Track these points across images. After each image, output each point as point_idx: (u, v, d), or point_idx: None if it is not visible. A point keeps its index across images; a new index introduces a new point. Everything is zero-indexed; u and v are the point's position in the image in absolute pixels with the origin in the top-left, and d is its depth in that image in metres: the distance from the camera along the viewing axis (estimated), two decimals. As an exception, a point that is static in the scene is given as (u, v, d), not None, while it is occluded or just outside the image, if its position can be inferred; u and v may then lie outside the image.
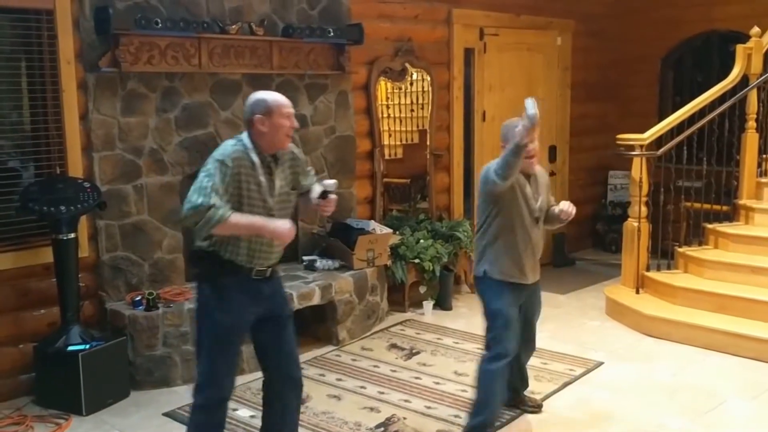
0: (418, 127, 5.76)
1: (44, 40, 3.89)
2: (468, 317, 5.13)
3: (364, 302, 4.83)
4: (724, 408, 3.74)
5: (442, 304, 5.38)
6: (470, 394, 3.54)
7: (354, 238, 4.79)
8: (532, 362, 4.29)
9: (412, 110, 5.72)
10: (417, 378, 4.14)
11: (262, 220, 2.71)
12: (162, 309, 4.01)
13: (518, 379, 3.63)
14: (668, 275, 5.14)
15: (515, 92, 6.35)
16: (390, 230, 5.14)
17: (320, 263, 4.81)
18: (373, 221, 5.17)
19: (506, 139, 3.25)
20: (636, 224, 5.19)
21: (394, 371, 4.24)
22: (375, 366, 4.32)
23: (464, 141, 6.04)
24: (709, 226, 5.28)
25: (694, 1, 6.51)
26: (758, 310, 4.54)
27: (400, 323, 5.10)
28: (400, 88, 5.67)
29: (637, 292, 5.19)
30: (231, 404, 3.76)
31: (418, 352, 4.54)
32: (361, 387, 4.01)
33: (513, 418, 3.62)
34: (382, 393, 3.93)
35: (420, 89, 5.72)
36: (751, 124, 5.34)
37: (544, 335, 4.79)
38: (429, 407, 3.74)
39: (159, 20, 3.99)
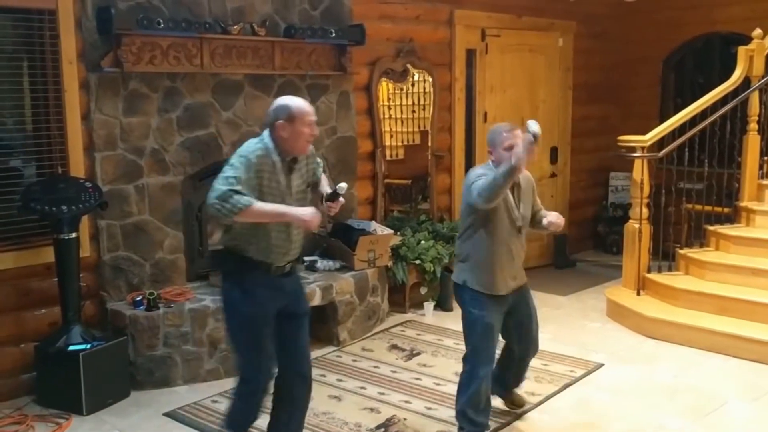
0: (419, 128, 5.76)
1: (46, 40, 3.89)
2: (469, 318, 5.12)
3: (364, 303, 4.83)
4: (725, 410, 3.74)
5: (443, 305, 5.38)
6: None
7: (355, 239, 4.79)
8: (533, 363, 4.29)
9: (413, 111, 5.73)
10: (417, 379, 4.14)
11: (285, 206, 2.79)
12: (163, 309, 4.02)
13: (513, 374, 3.59)
14: (669, 277, 5.14)
15: (517, 93, 6.37)
16: (391, 231, 5.14)
17: (321, 264, 4.81)
18: (374, 222, 5.18)
19: (493, 145, 3.21)
20: (637, 226, 5.19)
21: (395, 372, 4.24)
22: (375, 367, 4.32)
23: (466, 142, 6.04)
24: (711, 228, 5.28)
25: (695, 2, 6.51)
26: (759, 312, 4.54)
27: (401, 324, 5.10)
28: (402, 89, 5.67)
29: (638, 293, 5.19)
30: (231, 404, 3.78)
31: (418, 353, 4.54)
32: (362, 388, 4.01)
33: (513, 419, 3.62)
34: (383, 394, 3.93)
35: (421, 90, 5.72)
36: (753, 126, 5.34)
37: (545, 336, 4.78)
38: (429, 408, 3.74)
39: (161, 20, 4.00)
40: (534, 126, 2.92)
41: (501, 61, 6.18)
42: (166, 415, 3.69)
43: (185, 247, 4.42)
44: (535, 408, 3.75)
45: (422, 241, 5.27)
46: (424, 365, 4.34)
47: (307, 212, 2.78)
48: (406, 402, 3.83)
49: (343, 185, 2.97)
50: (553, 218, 3.33)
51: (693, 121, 5.19)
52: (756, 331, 4.42)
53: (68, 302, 3.80)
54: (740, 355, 4.38)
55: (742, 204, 5.35)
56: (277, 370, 2.99)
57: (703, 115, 5.19)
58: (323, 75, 4.90)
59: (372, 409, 3.74)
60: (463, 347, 3.38)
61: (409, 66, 5.57)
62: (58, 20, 3.87)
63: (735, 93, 5.24)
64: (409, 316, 5.27)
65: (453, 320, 5.18)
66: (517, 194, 3.28)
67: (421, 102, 5.73)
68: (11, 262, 3.83)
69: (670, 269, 5.26)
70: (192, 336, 4.03)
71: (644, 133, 5.14)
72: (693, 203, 5.42)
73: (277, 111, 2.85)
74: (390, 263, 5.09)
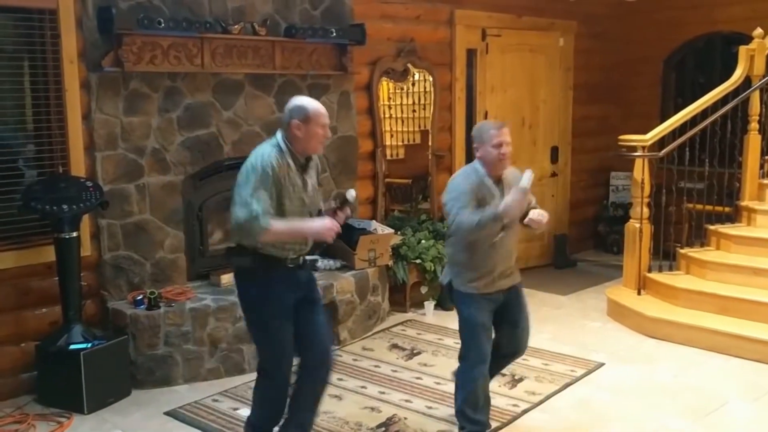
0: (420, 127, 5.76)
1: (47, 40, 3.89)
2: (469, 318, 5.12)
3: (365, 302, 4.84)
4: (726, 410, 3.74)
5: (444, 304, 5.37)
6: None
7: (356, 239, 4.79)
8: (534, 363, 4.31)
9: (414, 111, 5.73)
10: (418, 378, 4.14)
11: (301, 223, 2.93)
12: (163, 308, 4.02)
13: (490, 367, 3.40)
14: (670, 276, 5.14)
15: (517, 93, 6.37)
16: (391, 230, 5.14)
17: (321, 263, 4.81)
18: (374, 221, 5.18)
19: (481, 141, 3.17)
20: (638, 225, 5.18)
21: (395, 371, 4.24)
22: (376, 366, 4.32)
23: (466, 142, 6.03)
24: (711, 227, 5.28)
25: (696, 2, 6.50)
26: (760, 312, 4.53)
27: (402, 323, 5.10)
28: (402, 89, 5.67)
29: (639, 293, 5.19)
30: (232, 403, 3.79)
31: (419, 353, 4.54)
32: (362, 387, 4.01)
33: (514, 419, 3.62)
34: (383, 393, 3.93)
35: (422, 90, 5.72)
36: (754, 125, 5.34)
37: (546, 336, 4.80)
38: (430, 407, 3.74)
39: (162, 20, 4.00)
40: (527, 180, 2.96)
41: (501, 61, 6.18)
42: (167, 414, 3.69)
43: (186, 247, 4.43)
44: (535, 407, 3.75)
45: (423, 241, 5.27)
46: (425, 364, 4.34)
47: (324, 225, 2.90)
48: (407, 401, 3.83)
49: (353, 192, 3.09)
50: (535, 215, 3.19)
51: (694, 121, 5.19)
52: (757, 330, 4.42)
53: (69, 301, 3.80)
54: (741, 354, 4.37)
55: (743, 203, 5.35)
56: (292, 369, 3.08)
57: (704, 114, 5.19)
58: (324, 75, 4.91)
59: (373, 409, 3.74)
60: (463, 347, 3.37)
61: (409, 66, 5.58)
62: (59, 20, 3.87)
63: (736, 92, 5.24)
64: (409, 315, 5.27)
65: (453, 320, 5.13)
66: (503, 192, 3.18)
67: (422, 102, 5.73)
68: (12, 261, 3.83)
69: (670, 269, 5.26)
70: (193, 335, 4.03)
71: (645, 132, 5.13)
72: (694, 203, 5.41)
73: (292, 111, 2.95)
74: (390, 263, 5.09)
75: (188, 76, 4.30)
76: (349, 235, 4.84)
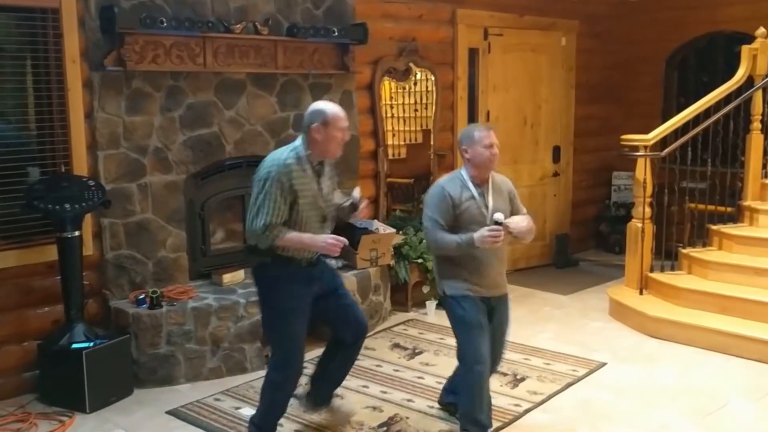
0: (421, 127, 5.76)
1: (50, 39, 3.89)
2: (471, 317, 5.12)
3: (367, 302, 4.84)
4: (728, 410, 3.74)
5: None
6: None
7: (357, 238, 4.79)
8: (536, 363, 4.31)
9: (415, 110, 5.73)
10: (420, 378, 4.14)
11: (310, 238, 3.08)
12: (165, 307, 4.02)
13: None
14: (672, 276, 5.14)
15: (519, 93, 6.37)
16: (393, 230, 5.14)
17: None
18: (376, 221, 5.18)
19: (470, 142, 3.19)
20: (640, 225, 5.18)
21: (397, 371, 4.25)
22: (378, 365, 4.32)
23: (468, 141, 6.03)
24: (714, 227, 5.27)
25: (697, 2, 6.50)
26: (762, 312, 4.53)
27: (403, 323, 5.10)
28: (404, 88, 5.67)
29: (641, 293, 5.19)
30: (234, 403, 3.80)
31: (420, 352, 4.54)
32: (364, 386, 4.01)
33: (516, 418, 3.62)
34: (385, 392, 3.94)
35: (424, 89, 5.72)
36: (756, 125, 5.33)
37: (547, 336, 4.81)
38: (432, 407, 3.74)
39: (164, 19, 4.00)
40: (502, 216, 3.09)
41: (503, 61, 6.18)
42: (169, 413, 3.70)
43: (188, 246, 4.43)
44: (537, 407, 3.75)
45: (424, 240, 5.27)
46: (427, 364, 4.34)
47: (331, 242, 3.06)
48: (409, 401, 3.83)
49: (357, 193, 3.29)
50: (513, 224, 3.13)
51: (696, 121, 5.18)
52: (759, 330, 4.42)
53: (71, 300, 3.80)
54: (743, 354, 4.37)
55: (746, 203, 5.34)
56: (303, 366, 3.24)
57: (707, 114, 5.18)
58: (326, 74, 4.91)
59: (374, 408, 3.74)
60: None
61: (411, 65, 5.58)
62: (62, 19, 3.88)
63: (738, 92, 5.23)
64: (411, 315, 5.27)
65: (455, 319, 5.19)
66: (486, 198, 3.22)
67: (424, 101, 5.73)
68: (14, 260, 3.84)
69: (672, 269, 5.25)
70: (194, 334, 4.04)
71: (647, 132, 5.13)
72: (696, 202, 5.42)
73: (312, 115, 3.08)
74: (392, 262, 5.09)
75: (190, 75, 4.30)
76: (351, 235, 4.84)
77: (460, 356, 3.29)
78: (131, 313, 3.98)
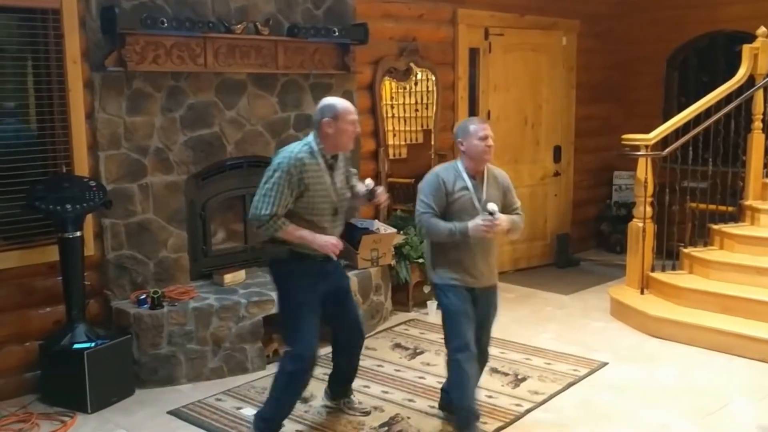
0: (422, 127, 5.76)
1: (50, 40, 3.89)
2: (472, 317, 5.12)
3: (368, 302, 4.84)
4: (729, 410, 3.73)
5: (446, 304, 5.37)
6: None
7: (358, 238, 4.79)
8: (537, 362, 4.31)
9: (416, 110, 5.73)
10: (421, 378, 4.14)
11: (310, 235, 3.15)
12: (167, 308, 4.02)
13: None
14: (673, 276, 5.13)
15: (520, 93, 6.36)
16: (394, 230, 5.14)
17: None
18: (377, 221, 5.17)
19: (465, 134, 3.23)
20: (641, 225, 5.18)
21: (398, 371, 4.25)
22: (379, 365, 4.32)
23: (469, 141, 6.03)
24: (715, 226, 5.27)
25: (698, 1, 6.49)
26: (764, 312, 4.53)
27: (404, 323, 5.10)
28: (405, 88, 5.67)
29: (642, 292, 5.19)
30: (236, 403, 3.80)
31: (422, 352, 4.54)
32: (365, 386, 4.01)
33: (517, 418, 3.62)
34: (386, 392, 3.94)
35: (424, 89, 5.72)
36: (757, 124, 5.33)
37: (549, 336, 4.80)
38: (433, 407, 3.74)
39: (165, 20, 4.00)
40: (492, 206, 3.12)
41: (504, 60, 6.18)
42: (170, 413, 3.70)
43: (189, 246, 4.43)
44: (538, 407, 3.75)
45: (425, 240, 5.26)
46: (428, 364, 4.34)
47: (328, 242, 3.14)
48: (410, 401, 3.83)
49: (369, 180, 3.39)
50: (500, 219, 3.14)
51: (697, 120, 5.17)
52: (761, 330, 4.41)
53: (72, 301, 3.80)
54: (745, 354, 4.37)
55: (747, 203, 5.34)
56: (317, 356, 3.28)
57: (708, 113, 5.18)
58: (326, 74, 4.91)
59: (375, 408, 3.74)
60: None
61: (412, 65, 5.58)
62: (63, 20, 3.88)
63: (739, 91, 5.23)
64: (412, 314, 5.27)
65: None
66: (480, 190, 3.24)
67: (424, 101, 5.73)
68: (16, 260, 3.84)
69: (674, 268, 5.25)
70: (196, 334, 4.04)
71: (647, 132, 5.13)
72: (697, 202, 5.41)
73: (323, 110, 3.18)
74: (393, 262, 5.09)
75: (191, 75, 4.30)
76: (352, 235, 4.84)
77: (445, 343, 3.34)
78: (132, 313, 3.98)
